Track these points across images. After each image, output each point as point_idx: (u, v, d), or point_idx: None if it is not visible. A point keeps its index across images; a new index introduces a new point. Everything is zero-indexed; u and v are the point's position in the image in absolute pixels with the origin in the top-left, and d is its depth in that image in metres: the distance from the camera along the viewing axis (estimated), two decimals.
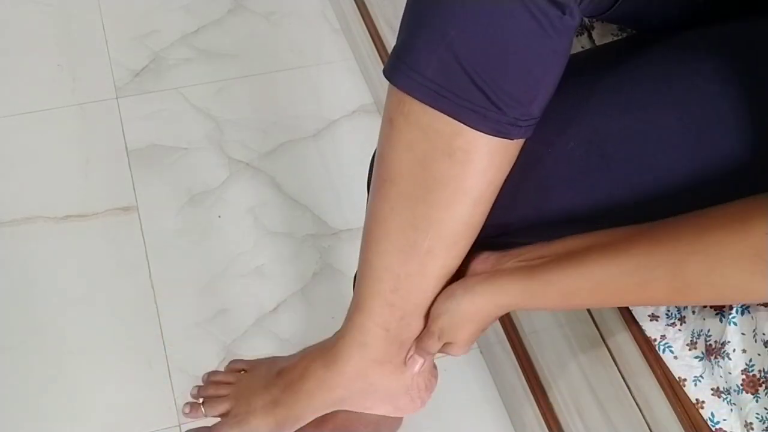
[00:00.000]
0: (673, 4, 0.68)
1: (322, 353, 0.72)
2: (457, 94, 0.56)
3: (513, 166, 0.62)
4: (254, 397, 0.72)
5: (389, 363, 0.70)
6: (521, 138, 0.60)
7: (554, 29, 0.55)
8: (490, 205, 0.63)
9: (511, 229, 0.66)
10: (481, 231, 0.65)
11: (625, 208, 0.62)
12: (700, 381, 0.71)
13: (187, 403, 0.75)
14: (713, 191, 0.57)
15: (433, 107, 0.58)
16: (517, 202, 0.65)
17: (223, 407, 0.72)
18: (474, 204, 0.61)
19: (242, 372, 0.77)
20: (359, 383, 0.71)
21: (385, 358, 0.70)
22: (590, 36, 0.85)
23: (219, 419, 0.74)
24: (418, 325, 0.68)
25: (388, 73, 0.60)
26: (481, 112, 0.57)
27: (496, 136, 0.58)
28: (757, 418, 0.66)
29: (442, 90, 0.57)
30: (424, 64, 0.57)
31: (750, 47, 0.62)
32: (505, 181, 0.62)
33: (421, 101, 0.58)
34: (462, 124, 0.57)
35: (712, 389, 0.70)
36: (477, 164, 0.59)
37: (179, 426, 1.03)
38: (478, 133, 0.58)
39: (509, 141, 0.59)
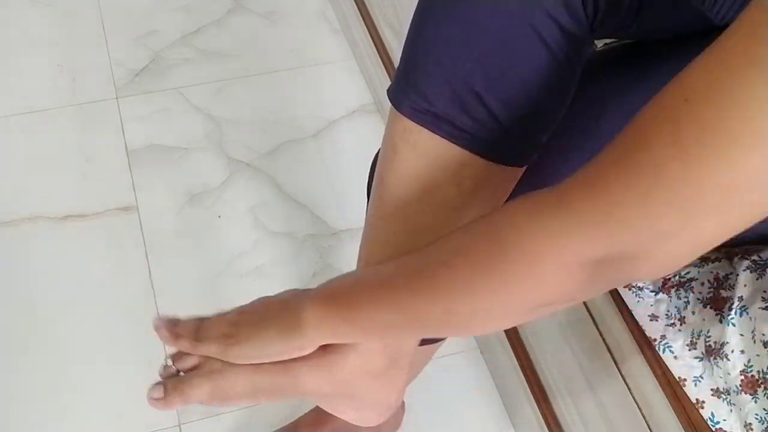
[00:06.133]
0: (682, 23, 0.67)
1: (318, 359, 0.67)
2: (471, 126, 0.55)
3: (522, 176, 0.61)
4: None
5: (381, 376, 0.70)
6: (527, 164, 0.59)
7: (570, 64, 0.55)
8: None
9: None
10: None
11: None
12: (700, 381, 0.71)
13: (163, 364, 0.67)
14: None
15: (443, 137, 0.56)
16: None
17: (192, 360, 0.65)
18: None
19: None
20: (348, 389, 0.70)
21: (379, 371, 0.69)
22: None
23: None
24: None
25: (394, 100, 0.58)
26: (496, 143, 0.56)
27: (508, 165, 0.57)
28: (756, 418, 0.66)
29: (455, 121, 0.55)
30: (436, 94, 0.55)
31: None
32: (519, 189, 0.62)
33: (430, 131, 0.56)
34: (473, 154, 0.56)
35: (712, 389, 0.70)
36: (484, 192, 0.59)
37: (179, 426, 1.03)
38: (490, 162, 0.57)
39: (519, 168, 0.59)
